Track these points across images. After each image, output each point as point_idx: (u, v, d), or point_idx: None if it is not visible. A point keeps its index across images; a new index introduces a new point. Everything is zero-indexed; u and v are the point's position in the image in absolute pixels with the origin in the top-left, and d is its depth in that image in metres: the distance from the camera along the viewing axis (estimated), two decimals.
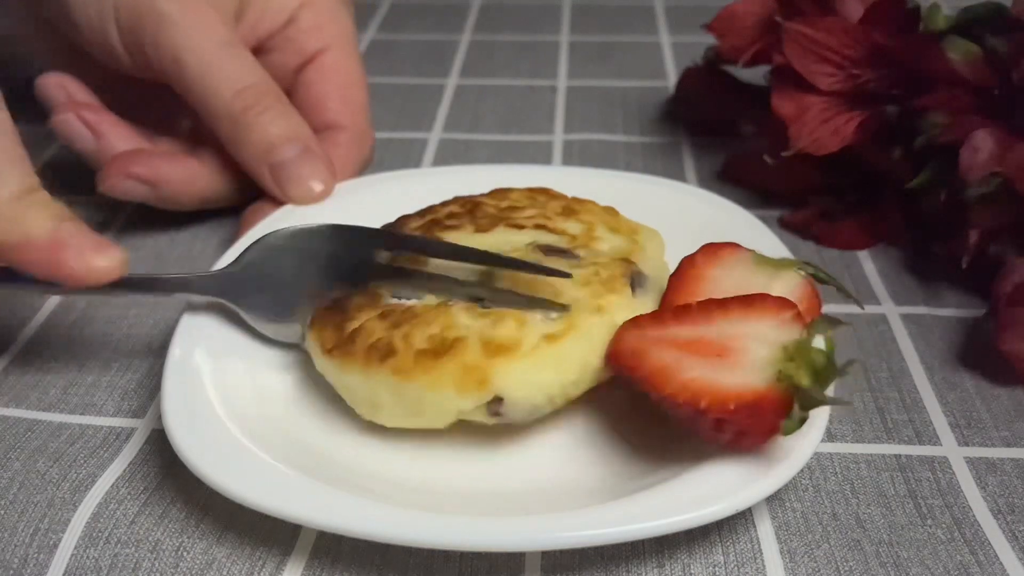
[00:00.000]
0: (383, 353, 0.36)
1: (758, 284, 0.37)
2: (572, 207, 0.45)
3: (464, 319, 0.37)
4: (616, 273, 0.39)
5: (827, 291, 0.46)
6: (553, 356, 0.36)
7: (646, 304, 0.39)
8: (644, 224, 0.45)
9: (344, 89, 0.53)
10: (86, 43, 0.49)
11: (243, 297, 0.40)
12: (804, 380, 0.32)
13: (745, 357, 0.33)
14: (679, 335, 0.35)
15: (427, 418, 0.36)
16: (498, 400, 0.35)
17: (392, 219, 0.46)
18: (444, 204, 0.46)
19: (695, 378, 0.33)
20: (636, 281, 0.39)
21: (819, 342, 0.33)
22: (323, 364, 0.38)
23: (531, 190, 0.47)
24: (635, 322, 0.36)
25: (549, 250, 0.41)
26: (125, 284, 0.39)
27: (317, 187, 0.48)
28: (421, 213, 0.46)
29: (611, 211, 0.45)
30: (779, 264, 0.38)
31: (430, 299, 0.39)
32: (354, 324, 0.38)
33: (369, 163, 0.54)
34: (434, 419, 0.36)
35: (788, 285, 0.38)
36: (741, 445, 0.33)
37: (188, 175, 0.50)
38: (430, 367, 0.35)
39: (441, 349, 0.36)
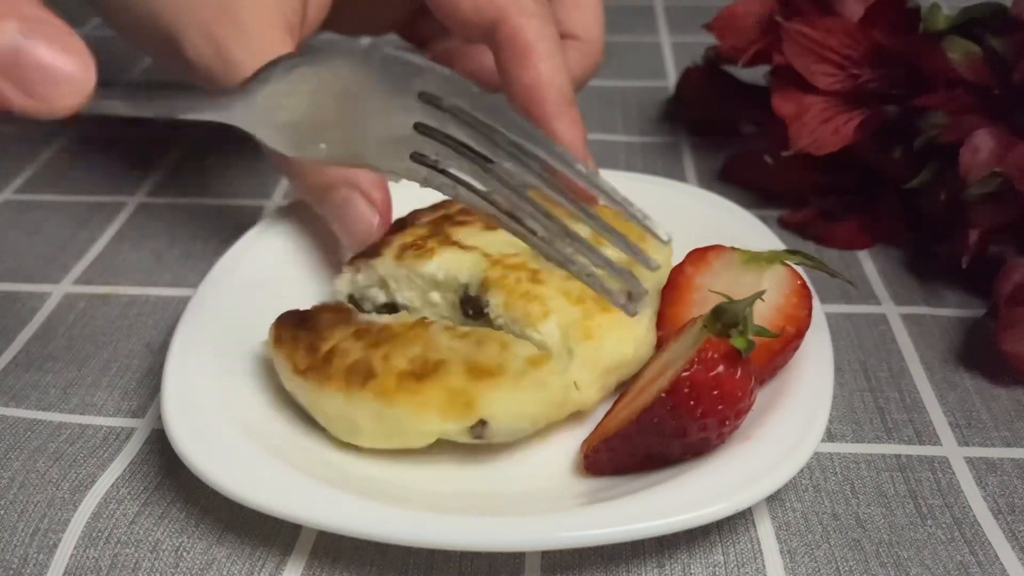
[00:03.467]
0: (363, 375, 0.35)
1: (747, 283, 0.38)
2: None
3: (445, 340, 0.37)
4: (613, 288, 0.39)
5: (827, 291, 0.46)
6: (537, 381, 0.35)
7: (641, 321, 0.39)
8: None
9: None
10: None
11: (259, 126, 0.33)
12: (712, 310, 0.34)
13: (679, 356, 0.34)
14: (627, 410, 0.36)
15: (407, 440, 0.35)
16: (482, 423, 0.35)
17: (404, 215, 0.46)
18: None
19: (651, 393, 0.34)
20: (633, 297, 0.39)
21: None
22: (295, 385, 0.37)
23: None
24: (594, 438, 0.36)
25: None
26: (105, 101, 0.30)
27: (364, 231, 0.45)
28: (434, 208, 0.46)
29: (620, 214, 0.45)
30: (767, 258, 0.38)
31: (404, 316, 0.39)
32: (328, 344, 0.37)
33: (598, 71, 0.54)
34: (414, 440, 0.35)
35: (777, 278, 0.38)
36: (727, 399, 0.33)
37: None
38: (414, 390, 0.35)
39: (424, 371, 0.35)
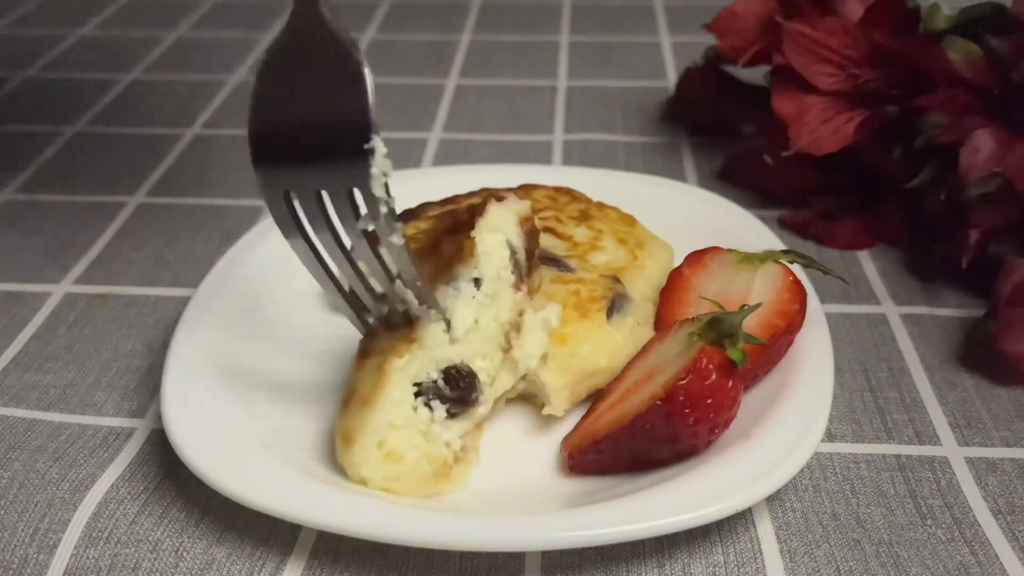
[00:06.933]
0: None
1: (741, 282, 0.38)
2: (589, 212, 0.45)
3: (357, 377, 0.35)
4: (596, 295, 0.39)
5: (827, 291, 0.46)
6: (386, 467, 0.34)
7: (620, 329, 0.39)
8: (658, 237, 0.44)
9: None
10: None
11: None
12: (708, 320, 0.34)
13: (670, 361, 0.34)
14: (611, 404, 0.36)
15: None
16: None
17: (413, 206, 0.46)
18: (469, 195, 0.46)
19: (643, 399, 0.34)
20: (616, 304, 0.39)
21: None
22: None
23: (557, 189, 0.47)
24: (576, 430, 0.37)
25: (543, 258, 0.41)
26: None
27: None
28: (443, 202, 0.46)
29: (629, 220, 0.45)
30: (761, 258, 0.39)
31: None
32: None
33: None
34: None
35: (770, 277, 0.38)
36: (718, 408, 0.33)
37: None
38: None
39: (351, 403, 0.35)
